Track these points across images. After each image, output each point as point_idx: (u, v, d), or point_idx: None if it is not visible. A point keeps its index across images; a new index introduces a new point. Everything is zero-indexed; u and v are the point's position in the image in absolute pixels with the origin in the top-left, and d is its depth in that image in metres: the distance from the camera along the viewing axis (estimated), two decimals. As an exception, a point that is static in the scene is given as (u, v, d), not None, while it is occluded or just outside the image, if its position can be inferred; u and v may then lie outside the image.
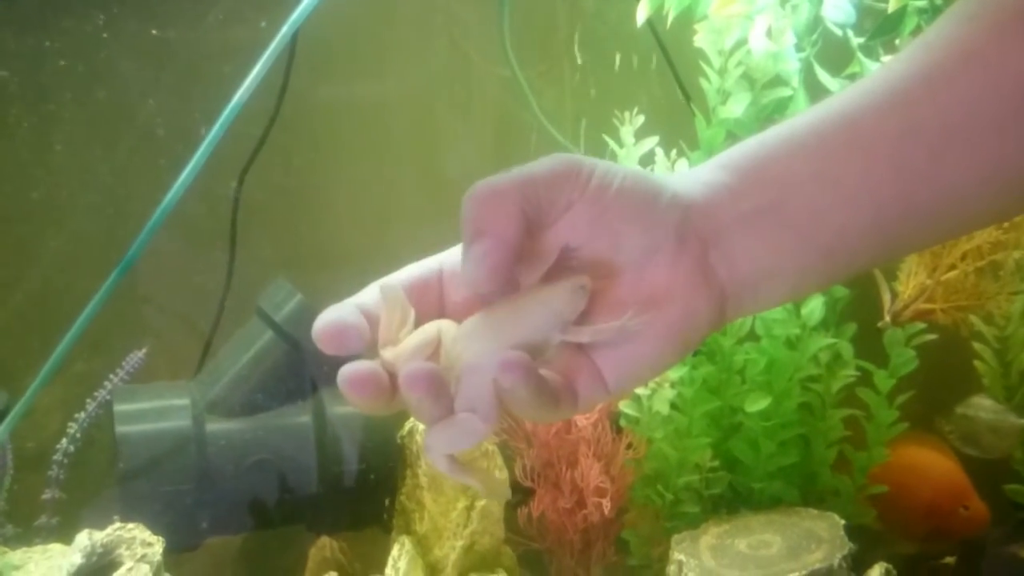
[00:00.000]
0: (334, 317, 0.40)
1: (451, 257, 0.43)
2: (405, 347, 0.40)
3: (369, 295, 0.42)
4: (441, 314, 0.43)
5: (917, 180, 0.40)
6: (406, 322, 0.41)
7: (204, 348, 1.01)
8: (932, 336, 0.90)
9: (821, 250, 0.41)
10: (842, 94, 0.42)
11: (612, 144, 0.95)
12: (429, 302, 0.43)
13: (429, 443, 0.40)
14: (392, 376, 0.40)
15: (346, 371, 0.39)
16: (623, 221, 0.40)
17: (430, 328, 0.41)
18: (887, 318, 0.89)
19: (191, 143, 0.87)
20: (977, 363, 1.02)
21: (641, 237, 0.40)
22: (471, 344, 0.40)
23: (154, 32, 1.02)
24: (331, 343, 0.40)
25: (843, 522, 0.86)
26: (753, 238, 0.41)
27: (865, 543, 0.85)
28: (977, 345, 1.01)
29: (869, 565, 0.83)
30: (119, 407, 0.88)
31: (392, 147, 1.14)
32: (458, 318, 0.42)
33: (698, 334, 0.41)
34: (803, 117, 0.42)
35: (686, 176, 0.43)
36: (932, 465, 1.00)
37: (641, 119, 0.94)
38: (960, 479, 1.00)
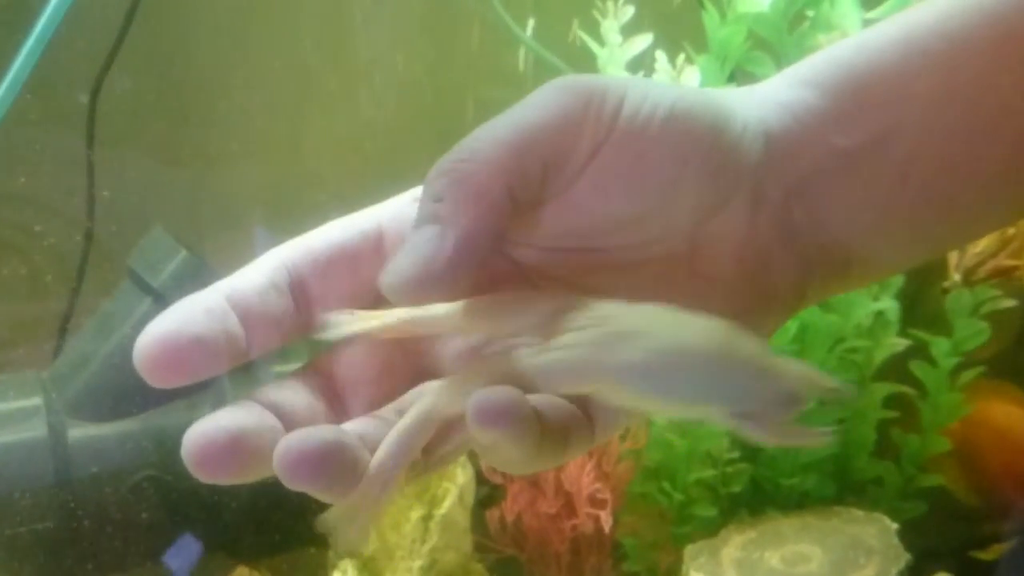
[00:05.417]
0: (170, 327, 0.27)
1: (397, 213, 0.31)
2: None
3: (256, 275, 0.29)
4: (378, 304, 0.30)
5: None
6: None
7: (61, 327, 0.86)
8: (1012, 302, 0.74)
9: (941, 203, 0.32)
10: None
11: (590, 43, 0.80)
12: (361, 285, 0.31)
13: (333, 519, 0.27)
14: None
15: (192, 437, 0.26)
16: (674, 165, 0.30)
17: None
18: (955, 277, 0.73)
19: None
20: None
21: (702, 187, 0.30)
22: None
23: None
24: (164, 372, 0.27)
25: (895, 526, 0.75)
26: (852, 186, 0.31)
27: (952, 525, 0.76)
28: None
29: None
30: (-59, 415, 0.74)
31: (299, 35, 0.97)
32: None
33: (774, 325, 0.32)
34: (919, 12, 0.32)
35: (752, 95, 0.32)
36: None
37: (630, 11, 0.79)
38: None
